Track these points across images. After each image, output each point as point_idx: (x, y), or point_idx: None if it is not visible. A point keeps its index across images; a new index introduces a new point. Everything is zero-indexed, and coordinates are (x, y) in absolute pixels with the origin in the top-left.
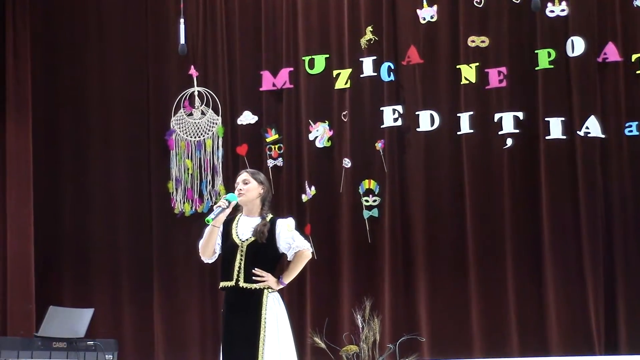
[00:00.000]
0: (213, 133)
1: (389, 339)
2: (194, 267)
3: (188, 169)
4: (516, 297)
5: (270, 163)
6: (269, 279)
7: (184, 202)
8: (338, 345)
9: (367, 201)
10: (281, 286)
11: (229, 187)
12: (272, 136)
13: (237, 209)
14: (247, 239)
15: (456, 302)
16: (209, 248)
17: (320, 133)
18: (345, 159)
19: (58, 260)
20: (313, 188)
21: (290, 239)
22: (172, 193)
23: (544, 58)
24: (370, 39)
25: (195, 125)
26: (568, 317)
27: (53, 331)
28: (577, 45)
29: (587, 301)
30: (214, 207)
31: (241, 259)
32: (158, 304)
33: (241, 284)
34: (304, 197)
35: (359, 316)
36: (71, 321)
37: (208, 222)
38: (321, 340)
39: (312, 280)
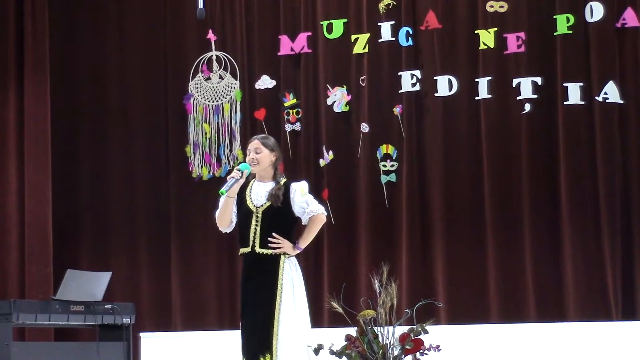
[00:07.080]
0: (231, 97)
1: (406, 304)
2: (212, 231)
3: (206, 133)
4: (534, 263)
5: (288, 128)
6: (285, 244)
7: (201, 167)
8: (355, 310)
9: (384, 166)
10: (297, 251)
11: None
12: (290, 101)
13: (250, 175)
14: (262, 205)
15: (474, 267)
16: (226, 218)
17: (338, 98)
18: (363, 123)
19: (76, 224)
20: (331, 153)
21: (305, 203)
22: (190, 157)
23: (563, 23)
24: (389, 4)
25: (213, 90)
26: (585, 283)
27: (71, 294)
28: (595, 11)
29: (605, 267)
30: (227, 178)
31: (257, 225)
32: (175, 268)
33: (257, 249)
34: (322, 162)
35: (376, 281)
36: (89, 284)
37: (222, 193)
38: (338, 305)
39: (329, 245)
